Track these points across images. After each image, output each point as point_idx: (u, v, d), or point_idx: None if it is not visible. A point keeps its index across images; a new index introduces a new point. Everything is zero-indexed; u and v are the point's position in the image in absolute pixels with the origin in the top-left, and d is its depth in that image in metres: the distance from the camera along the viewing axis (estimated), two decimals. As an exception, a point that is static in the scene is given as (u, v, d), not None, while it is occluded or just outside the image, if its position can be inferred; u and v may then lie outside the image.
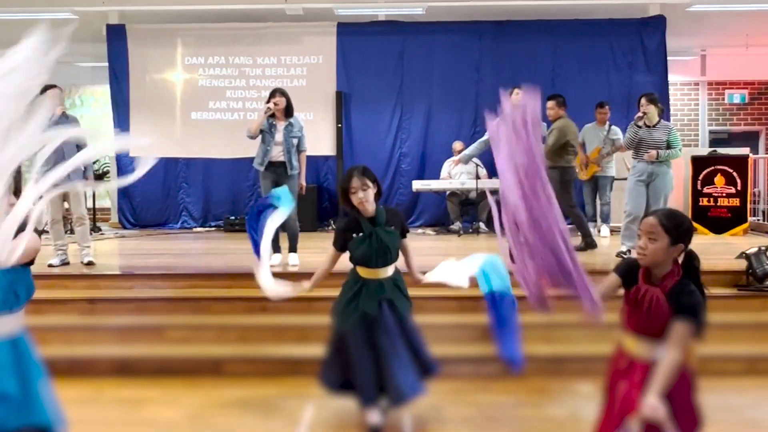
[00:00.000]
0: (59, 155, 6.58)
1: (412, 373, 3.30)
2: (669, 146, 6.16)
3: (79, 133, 5.94)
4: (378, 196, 3.37)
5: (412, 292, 4.00)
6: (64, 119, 6.20)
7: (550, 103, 6.87)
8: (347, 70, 10.07)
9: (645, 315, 2.29)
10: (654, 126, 6.19)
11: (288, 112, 6.05)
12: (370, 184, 3.29)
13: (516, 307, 3.12)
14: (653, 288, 2.31)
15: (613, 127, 8.62)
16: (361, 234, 3.30)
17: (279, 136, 5.99)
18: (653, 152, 6.08)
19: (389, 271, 3.36)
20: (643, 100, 6.28)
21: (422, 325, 4.73)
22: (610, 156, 8.52)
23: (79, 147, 6.28)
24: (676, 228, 2.27)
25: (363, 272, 3.34)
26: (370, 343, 3.26)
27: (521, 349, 2.95)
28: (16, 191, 2.13)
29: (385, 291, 3.30)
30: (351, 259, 3.37)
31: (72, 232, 7.15)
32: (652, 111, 6.21)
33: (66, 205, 6.34)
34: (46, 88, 6.20)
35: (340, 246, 3.42)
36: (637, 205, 6.16)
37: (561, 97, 6.97)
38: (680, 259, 2.36)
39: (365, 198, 3.27)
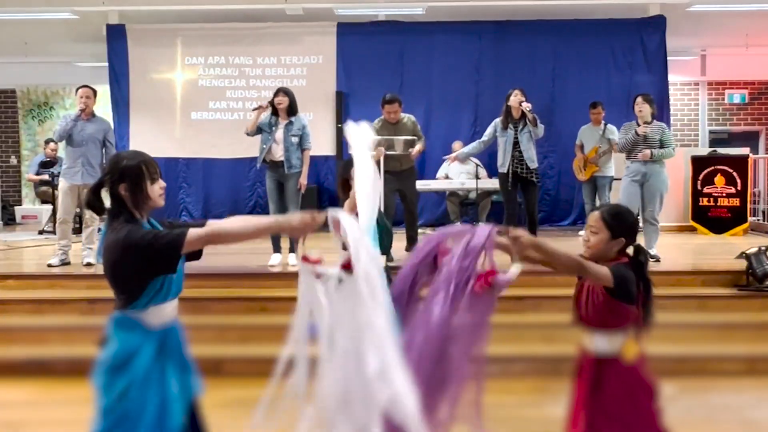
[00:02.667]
0: (81, 154, 6.59)
1: None
2: (662, 145, 6.17)
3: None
4: None
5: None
6: (93, 119, 6.23)
7: (396, 106, 6.63)
8: (347, 70, 10.06)
9: (584, 305, 2.42)
10: (649, 125, 6.20)
11: (291, 111, 6.04)
12: None
13: None
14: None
15: (609, 126, 8.61)
16: None
17: (279, 134, 5.99)
18: (647, 152, 6.09)
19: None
20: (639, 99, 6.29)
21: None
22: (608, 155, 8.52)
23: (104, 147, 6.33)
24: (617, 223, 2.40)
25: None
26: None
27: None
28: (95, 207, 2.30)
29: None
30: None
31: (79, 232, 7.14)
32: (647, 111, 6.22)
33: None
34: (78, 88, 6.25)
35: None
36: (631, 206, 6.18)
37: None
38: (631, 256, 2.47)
39: None
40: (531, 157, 6.13)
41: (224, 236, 2.23)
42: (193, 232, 2.15)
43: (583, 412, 2.41)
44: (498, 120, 6.24)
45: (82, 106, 6.09)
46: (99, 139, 6.19)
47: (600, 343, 2.39)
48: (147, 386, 2.19)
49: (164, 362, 2.26)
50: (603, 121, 8.66)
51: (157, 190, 2.29)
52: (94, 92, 6.27)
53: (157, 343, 2.24)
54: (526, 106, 6.08)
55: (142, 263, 2.14)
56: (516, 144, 6.10)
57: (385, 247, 3.34)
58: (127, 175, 2.22)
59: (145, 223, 2.28)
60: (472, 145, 6.47)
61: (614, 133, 8.52)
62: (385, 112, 6.48)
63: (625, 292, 2.31)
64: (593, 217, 2.47)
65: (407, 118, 6.59)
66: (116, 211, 2.24)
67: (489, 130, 6.31)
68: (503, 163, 6.15)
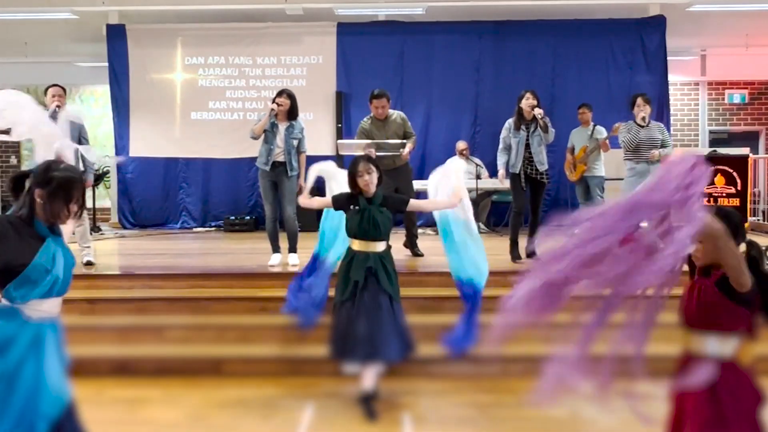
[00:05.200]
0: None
1: (393, 337, 3.72)
2: (663, 145, 6.21)
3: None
4: (379, 181, 3.91)
5: (415, 292, 4.04)
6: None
7: (384, 101, 6.54)
8: (347, 70, 10.06)
9: (695, 306, 2.32)
10: (647, 126, 6.22)
11: (291, 114, 6.01)
12: (374, 169, 3.88)
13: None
14: (704, 279, 2.34)
15: (597, 127, 8.64)
16: (356, 208, 3.86)
17: (280, 137, 5.97)
18: (656, 152, 6.12)
19: (378, 246, 3.86)
20: (639, 100, 6.29)
21: (423, 324, 4.74)
22: (597, 154, 8.54)
23: (80, 143, 6.34)
24: (724, 224, 2.21)
25: (354, 245, 3.87)
26: (360, 309, 3.73)
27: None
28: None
29: (370, 261, 3.78)
30: (347, 231, 3.92)
31: (72, 232, 7.15)
32: (648, 111, 6.26)
33: None
34: (47, 88, 6.26)
35: (336, 204, 4.01)
36: None
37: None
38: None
39: (370, 180, 3.84)
40: (541, 160, 6.12)
41: None
42: None
43: (694, 418, 2.28)
44: (511, 121, 6.21)
45: (57, 103, 6.09)
46: (75, 137, 6.21)
47: (713, 345, 2.28)
48: (17, 375, 2.25)
49: (39, 353, 2.31)
50: (591, 122, 8.71)
51: (65, 210, 2.35)
52: (64, 91, 6.28)
53: (34, 333, 2.31)
54: (539, 112, 6.08)
55: None
56: (527, 146, 6.10)
57: (377, 232, 3.84)
58: (50, 185, 2.31)
59: (43, 227, 2.35)
60: (500, 156, 6.34)
61: (602, 134, 8.55)
62: (373, 107, 6.46)
63: (747, 297, 2.22)
64: None
65: (396, 114, 6.58)
66: (22, 204, 2.35)
67: (503, 134, 6.25)
68: (515, 164, 6.13)
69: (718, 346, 2.27)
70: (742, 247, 2.34)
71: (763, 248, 5.75)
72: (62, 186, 2.32)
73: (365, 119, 6.56)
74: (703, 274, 2.37)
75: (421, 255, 6.59)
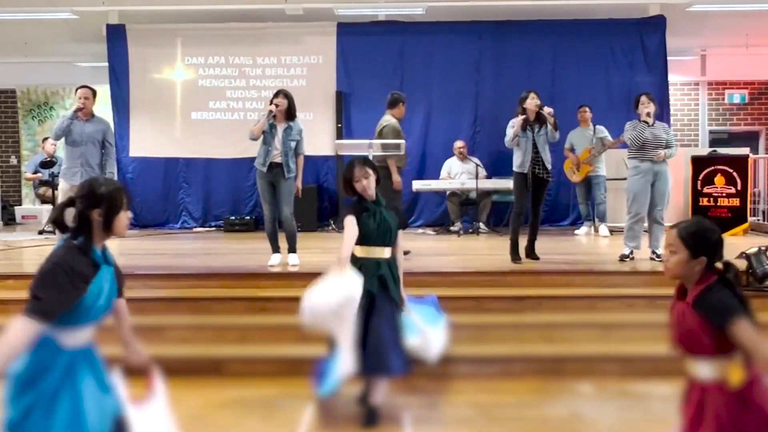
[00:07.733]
0: (81, 154, 6.58)
1: (399, 351, 3.54)
2: (668, 145, 6.18)
3: None
4: (377, 182, 3.65)
5: (414, 292, 4.03)
6: (92, 119, 6.24)
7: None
8: (347, 70, 10.06)
9: (678, 332, 2.24)
10: (653, 125, 6.19)
11: (289, 114, 5.99)
12: (371, 172, 3.60)
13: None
14: (681, 303, 2.26)
15: (598, 126, 8.65)
16: (367, 212, 3.58)
17: (277, 139, 5.95)
18: (662, 153, 6.09)
19: (386, 252, 3.60)
20: (644, 98, 6.25)
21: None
22: (600, 155, 8.56)
23: (103, 147, 6.34)
24: (696, 241, 2.21)
25: (362, 252, 3.58)
26: (371, 321, 3.51)
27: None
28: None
29: (381, 269, 3.55)
30: (362, 237, 3.57)
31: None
32: (653, 108, 6.23)
33: None
34: (78, 88, 6.28)
35: (354, 212, 3.58)
36: (643, 205, 6.14)
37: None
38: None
39: (368, 185, 3.57)
40: (547, 158, 6.15)
41: None
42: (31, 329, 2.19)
43: None
44: (515, 121, 6.15)
45: (80, 104, 6.10)
46: (98, 140, 6.21)
47: (703, 369, 2.21)
48: (54, 404, 2.21)
49: (76, 381, 2.28)
50: (591, 123, 8.73)
51: (125, 219, 2.38)
52: (94, 93, 6.27)
53: (67, 361, 2.28)
54: (549, 110, 6.07)
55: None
56: (533, 145, 6.10)
57: (387, 236, 3.60)
58: (105, 200, 2.31)
59: (99, 255, 2.35)
60: (509, 137, 6.29)
61: (604, 133, 8.57)
62: (404, 108, 6.95)
63: (728, 321, 2.12)
64: (671, 235, 2.25)
65: (394, 122, 6.85)
66: (78, 233, 2.32)
67: (509, 132, 6.19)
68: (522, 163, 6.11)
69: (708, 369, 2.20)
70: (719, 264, 2.26)
71: (763, 248, 5.71)
72: (117, 197, 2.34)
73: (394, 120, 6.80)
74: (680, 295, 2.29)
75: (408, 251, 6.53)
